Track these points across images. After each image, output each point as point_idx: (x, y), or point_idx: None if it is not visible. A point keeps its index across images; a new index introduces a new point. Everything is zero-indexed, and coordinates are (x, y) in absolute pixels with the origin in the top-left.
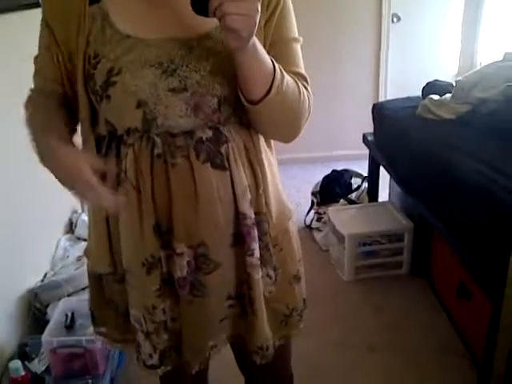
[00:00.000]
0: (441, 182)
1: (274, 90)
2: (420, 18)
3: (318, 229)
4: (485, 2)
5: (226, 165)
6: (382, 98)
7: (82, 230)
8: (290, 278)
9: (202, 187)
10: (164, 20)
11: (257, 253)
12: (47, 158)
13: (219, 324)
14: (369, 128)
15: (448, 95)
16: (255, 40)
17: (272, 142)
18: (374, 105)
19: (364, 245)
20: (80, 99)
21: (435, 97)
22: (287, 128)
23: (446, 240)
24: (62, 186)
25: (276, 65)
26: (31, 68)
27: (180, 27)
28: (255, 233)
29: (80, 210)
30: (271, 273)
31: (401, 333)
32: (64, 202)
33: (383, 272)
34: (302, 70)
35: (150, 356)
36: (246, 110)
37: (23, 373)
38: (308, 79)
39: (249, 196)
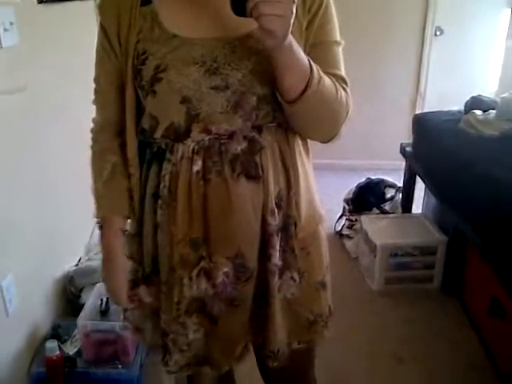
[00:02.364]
0: (481, 196)
1: (310, 90)
2: (463, 32)
3: (348, 236)
4: None
5: (260, 173)
6: (419, 110)
7: None
8: (315, 284)
9: (236, 200)
10: (208, 20)
11: (275, 259)
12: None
13: (247, 328)
14: (405, 138)
15: (492, 111)
16: (291, 40)
17: (309, 144)
18: (415, 116)
19: (395, 255)
20: (127, 93)
21: (478, 112)
22: (324, 128)
23: (482, 255)
24: None
25: (313, 64)
26: (83, 53)
27: (223, 27)
28: (275, 239)
29: None
30: (295, 276)
31: (429, 346)
32: None
33: (413, 285)
34: (342, 72)
35: (167, 362)
36: (283, 109)
37: (57, 352)
38: (347, 81)
39: (274, 203)
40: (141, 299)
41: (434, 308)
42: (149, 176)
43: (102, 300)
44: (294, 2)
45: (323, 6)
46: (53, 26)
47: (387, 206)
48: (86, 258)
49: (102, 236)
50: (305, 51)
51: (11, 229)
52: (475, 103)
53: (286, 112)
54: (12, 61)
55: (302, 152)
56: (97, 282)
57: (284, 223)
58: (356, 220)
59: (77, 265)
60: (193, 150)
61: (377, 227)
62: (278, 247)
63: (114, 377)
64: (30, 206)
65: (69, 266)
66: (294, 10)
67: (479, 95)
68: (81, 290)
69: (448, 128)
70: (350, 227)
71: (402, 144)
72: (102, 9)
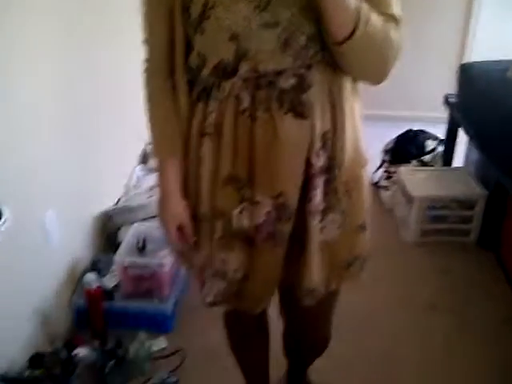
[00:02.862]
0: None
1: (358, 31)
2: None
3: (385, 187)
4: None
5: (307, 112)
6: (467, 60)
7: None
8: (356, 226)
9: (283, 138)
10: None
11: (316, 200)
12: (157, 170)
13: (282, 268)
14: (450, 89)
15: None
16: None
17: (359, 88)
18: (461, 65)
19: (433, 208)
20: (176, 32)
21: None
22: (373, 69)
23: None
24: (138, 120)
25: (363, 5)
26: None
27: None
28: (318, 180)
29: None
30: (337, 217)
31: (463, 297)
32: (139, 134)
33: (449, 237)
34: (394, 11)
35: (207, 295)
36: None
37: (96, 285)
38: (400, 20)
39: (320, 144)
40: (187, 238)
41: (470, 261)
42: (196, 113)
43: (138, 238)
44: None
45: None
46: None
47: (427, 159)
48: (125, 198)
49: (160, 176)
50: None
51: (54, 166)
52: None
53: (334, 53)
54: None
55: (352, 94)
56: (134, 221)
57: (328, 165)
58: (394, 172)
59: (116, 204)
60: (240, 87)
61: (415, 179)
62: (320, 189)
63: (149, 311)
64: (72, 145)
65: (108, 204)
66: None
67: None
68: (119, 229)
69: (495, 77)
70: (387, 178)
71: (445, 94)
72: None
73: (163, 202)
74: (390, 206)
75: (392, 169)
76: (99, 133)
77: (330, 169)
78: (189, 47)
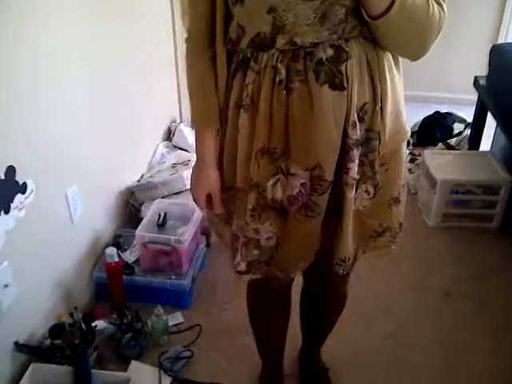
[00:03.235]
0: None
1: (395, 6)
2: None
3: (409, 170)
4: None
5: (345, 84)
6: (501, 41)
7: (179, 139)
8: (389, 199)
9: (319, 109)
10: None
11: (353, 172)
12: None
13: (318, 237)
14: (481, 72)
15: None
16: None
17: (400, 58)
18: (492, 46)
19: (456, 192)
20: (218, 2)
21: None
22: (412, 45)
23: None
24: (163, 97)
25: None
26: None
27: None
28: (355, 153)
29: (179, 120)
30: (370, 189)
31: (480, 285)
32: (165, 111)
33: (472, 223)
34: None
35: (238, 263)
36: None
37: (117, 259)
38: None
39: (357, 116)
40: (215, 208)
41: (491, 247)
42: (233, 85)
43: (159, 215)
44: None
45: None
46: None
47: (454, 142)
48: (148, 174)
49: (197, 145)
50: None
51: (78, 141)
52: None
53: (372, 28)
54: None
55: (392, 65)
56: (156, 198)
57: (366, 137)
58: (419, 154)
59: (139, 181)
60: (277, 58)
61: (440, 162)
62: (357, 161)
63: (167, 286)
64: (97, 121)
65: (131, 180)
66: None
67: None
68: (141, 205)
69: None
70: (412, 161)
71: (476, 77)
72: None
73: (197, 170)
74: (414, 189)
75: (417, 151)
76: (124, 109)
77: (368, 141)
78: (229, 18)
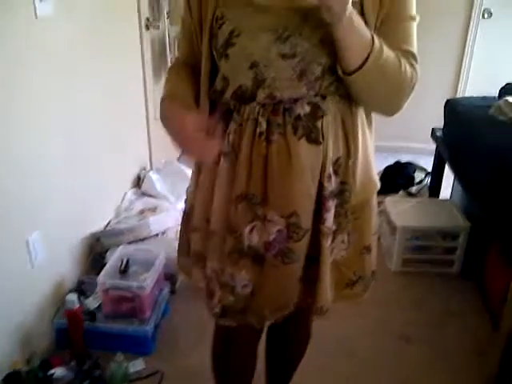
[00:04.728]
0: (505, 188)
1: (368, 64)
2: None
3: None
4: None
5: (320, 138)
6: (460, 95)
7: (148, 186)
8: (361, 248)
9: (296, 161)
10: None
11: (329, 222)
12: (162, 116)
13: (297, 287)
14: (440, 123)
15: None
16: (352, 15)
17: (372, 116)
18: (447, 100)
19: (416, 238)
20: (204, 56)
21: (510, 98)
22: (385, 102)
23: (502, 245)
24: (134, 145)
25: (375, 40)
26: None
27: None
28: (330, 203)
29: (148, 167)
30: (345, 239)
31: (439, 330)
32: (135, 159)
33: (432, 268)
34: (412, 48)
35: (215, 305)
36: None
37: (77, 306)
38: (417, 57)
39: (332, 169)
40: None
41: (451, 292)
42: (215, 133)
43: (122, 260)
44: None
45: None
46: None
47: (414, 190)
48: (115, 221)
49: (165, 110)
50: (376, 22)
51: (43, 187)
52: (510, 90)
53: (347, 84)
54: (45, 32)
55: (365, 123)
56: (122, 244)
57: (340, 189)
58: (381, 201)
59: (106, 227)
60: (258, 111)
61: (400, 209)
62: (332, 211)
63: (129, 332)
64: (62, 167)
65: (98, 226)
66: None
67: None
68: (107, 251)
69: (478, 114)
70: None
71: (433, 128)
72: None
73: (170, 118)
74: (377, 234)
75: (379, 199)
76: (93, 156)
77: (341, 192)
78: (216, 70)
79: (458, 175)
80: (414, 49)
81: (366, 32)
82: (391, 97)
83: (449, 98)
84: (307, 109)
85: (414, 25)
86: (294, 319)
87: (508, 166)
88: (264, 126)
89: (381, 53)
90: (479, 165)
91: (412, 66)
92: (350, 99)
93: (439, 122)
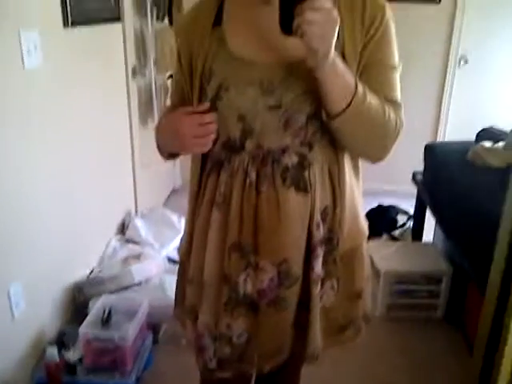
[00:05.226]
0: (481, 233)
1: (351, 108)
2: (488, 63)
3: None
4: None
5: (308, 187)
6: (440, 139)
7: (132, 233)
8: (351, 294)
9: (285, 209)
10: (270, 45)
11: (318, 269)
12: (160, 129)
13: (290, 333)
14: (421, 166)
15: (501, 143)
16: (335, 59)
17: (359, 164)
18: (426, 145)
19: (400, 283)
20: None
21: (487, 143)
22: (370, 147)
23: (482, 289)
24: (120, 191)
25: (359, 85)
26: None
27: (282, 51)
28: (319, 250)
29: (133, 214)
30: (335, 285)
31: (424, 375)
32: (120, 205)
33: (417, 313)
34: (396, 97)
35: (210, 360)
36: (331, 129)
37: (57, 359)
38: (401, 106)
39: (320, 217)
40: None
41: (435, 337)
42: (207, 184)
43: (104, 311)
44: (335, 22)
45: (382, 28)
46: (78, 49)
47: (397, 233)
48: (98, 269)
49: (162, 119)
50: (357, 71)
51: (24, 236)
52: (486, 135)
53: (331, 128)
54: (34, 83)
55: (351, 171)
56: (105, 293)
57: (328, 236)
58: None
59: (89, 275)
60: (247, 162)
61: (384, 253)
62: (321, 258)
63: None
64: (45, 215)
65: (82, 275)
66: (336, 30)
67: (491, 127)
68: (89, 300)
69: (455, 158)
70: None
71: (414, 172)
72: (177, 33)
73: (167, 119)
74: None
75: None
76: (77, 203)
77: (329, 240)
78: None
79: (439, 219)
80: (398, 97)
81: (350, 76)
82: (375, 142)
83: (429, 142)
84: (295, 159)
85: (397, 74)
86: (284, 367)
87: (485, 211)
88: (254, 176)
89: (364, 97)
90: (457, 210)
91: (396, 113)
92: (335, 147)
93: (420, 166)
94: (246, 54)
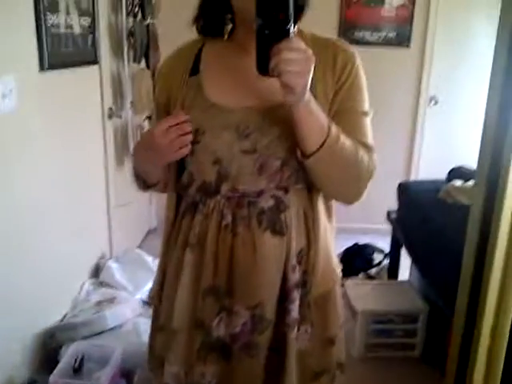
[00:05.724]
0: (456, 272)
1: (325, 147)
2: (457, 103)
3: None
4: None
5: (284, 230)
6: (413, 178)
7: (107, 276)
8: (325, 339)
9: (261, 252)
10: (245, 91)
11: (294, 313)
12: (136, 150)
13: (262, 378)
14: (395, 205)
15: (471, 181)
16: (310, 99)
17: (333, 208)
18: (399, 184)
19: (377, 323)
20: None
21: (458, 182)
22: (344, 188)
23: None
24: (94, 233)
25: (332, 126)
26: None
27: (258, 98)
28: (295, 294)
29: (108, 256)
30: (309, 329)
31: None
32: (94, 247)
33: (395, 352)
34: (368, 141)
35: None
36: (306, 170)
37: None
38: (373, 149)
39: (295, 260)
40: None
41: (414, 377)
42: (182, 226)
43: (76, 358)
44: (311, 60)
45: (352, 76)
46: (55, 92)
47: (373, 272)
48: (72, 313)
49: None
50: (329, 116)
51: None
52: (457, 174)
53: (305, 168)
54: (9, 127)
55: (325, 214)
56: (77, 339)
57: (303, 280)
58: (342, 285)
59: (61, 320)
60: (223, 204)
61: (360, 293)
62: (297, 302)
63: None
64: (15, 256)
65: (54, 320)
66: (312, 68)
67: (461, 166)
68: (61, 347)
69: (427, 197)
70: None
71: (388, 211)
72: (156, 80)
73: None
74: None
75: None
76: (50, 243)
77: (304, 283)
78: (183, 165)
79: (413, 258)
80: (370, 141)
81: (324, 116)
82: (349, 183)
83: (402, 180)
84: (271, 202)
85: (368, 120)
86: None
87: (457, 249)
88: (229, 218)
89: (337, 137)
90: (431, 248)
91: (369, 155)
92: (310, 191)
93: (395, 205)
94: (223, 101)
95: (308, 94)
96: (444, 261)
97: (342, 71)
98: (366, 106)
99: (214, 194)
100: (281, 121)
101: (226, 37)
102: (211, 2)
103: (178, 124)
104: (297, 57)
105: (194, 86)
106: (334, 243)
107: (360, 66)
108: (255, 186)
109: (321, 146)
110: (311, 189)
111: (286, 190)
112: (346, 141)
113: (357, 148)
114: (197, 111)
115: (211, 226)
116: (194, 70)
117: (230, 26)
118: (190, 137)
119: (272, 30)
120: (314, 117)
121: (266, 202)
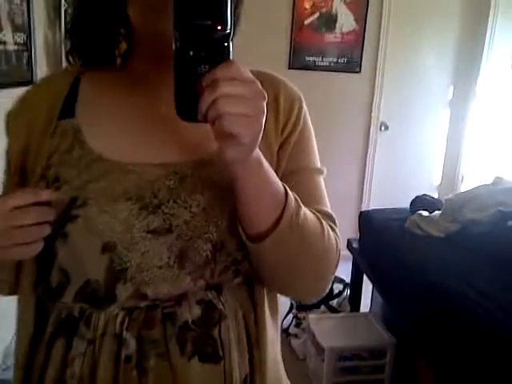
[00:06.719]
0: (425, 303)
1: (284, 223)
2: (406, 128)
3: (295, 335)
4: (468, 116)
5: (220, 353)
6: (364, 205)
7: None
8: None
9: None
10: (151, 139)
11: None
12: None
13: None
14: (352, 233)
15: (437, 212)
16: (260, 154)
17: (278, 304)
18: (361, 212)
19: (344, 359)
20: None
21: (424, 213)
22: (305, 281)
23: (426, 361)
24: None
25: (289, 191)
26: None
27: (171, 150)
28: None
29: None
30: None
31: None
32: None
33: None
34: (327, 208)
35: None
36: (250, 259)
37: None
38: (335, 219)
39: None
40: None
41: None
42: (50, 357)
43: None
44: (263, 96)
45: (301, 123)
46: None
47: (335, 303)
48: (4, 366)
49: None
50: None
51: None
52: (420, 203)
53: (253, 256)
54: None
55: (271, 318)
56: None
57: None
58: (304, 318)
59: None
60: (121, 322)
61: (324, 327)
62: None
63: None
64: None
65: None
66: (265, 108)
67: (424, 195)
68: None
69: (394, 227)
70: (297, 326)
71: (348, 239)
72: (6, 126)
73: None
74: (303, 355)
75: (301, 315)
76: None
77: None
78: (51, 259)
79: (378, 288)
80: (329, 208)
81: (277, 180)
82: (314, 272)
83: (355, 208)
84: (197, 312)
85: (322, 180)
86: None
87: (428, 281)
88: (133, 345)
89: (298, 208)
90: (399, 279)
91: (333, 230)
92: (252, 285)
93: (352, 233)
94: (114, 154)
95: (258, 150)
96: (413, 293)
97: (288, 116)
98: (317, 161)
99: (106, 304)
100: (208, 184)
101: (118, 62)
102: (94, 14)
103: (37, 204)
104: (242, 91)
105: (69, 132)
106: (279, 348)
107: (307, 111)
108: (173, 287)
109: (276, 224)
110: (253, 282)
111: (220, 290)
112: (307, 212)
113: (321, 222)
114: (72, 170)
115: (102, 360)
116: (67, 111)
117: (123, 46)
118: (47, 230)
119: (200, 50)
120: (265, 181)
121: (190, 313)
